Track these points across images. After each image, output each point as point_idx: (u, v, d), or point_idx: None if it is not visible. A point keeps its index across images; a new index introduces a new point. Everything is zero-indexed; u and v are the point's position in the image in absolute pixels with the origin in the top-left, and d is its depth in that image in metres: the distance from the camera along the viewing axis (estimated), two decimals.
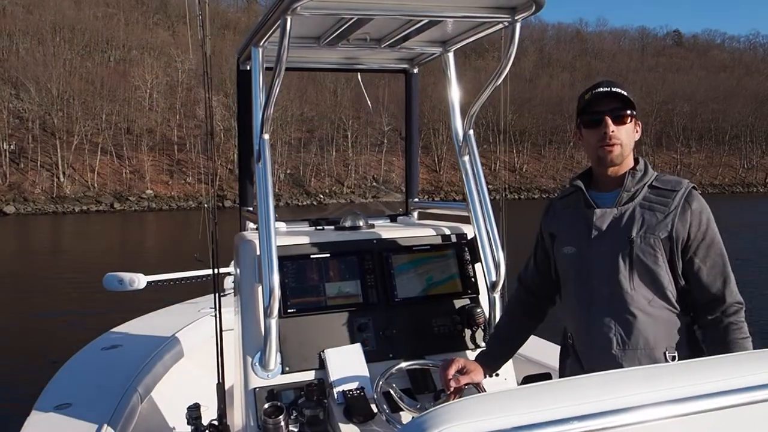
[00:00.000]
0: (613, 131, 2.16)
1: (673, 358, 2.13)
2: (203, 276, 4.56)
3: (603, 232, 2.18)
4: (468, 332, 2.86)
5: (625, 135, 2.19)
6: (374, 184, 72.55)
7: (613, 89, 2.17)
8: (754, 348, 2.08)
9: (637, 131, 2.24)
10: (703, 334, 2.19)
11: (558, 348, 2.48)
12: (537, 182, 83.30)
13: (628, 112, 2.19)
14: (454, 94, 3.27)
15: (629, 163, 2.23)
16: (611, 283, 2.15)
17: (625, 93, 2.18)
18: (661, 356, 2.13)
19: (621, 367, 2.08)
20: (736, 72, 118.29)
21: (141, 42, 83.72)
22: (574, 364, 2.31)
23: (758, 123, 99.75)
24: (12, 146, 63.21)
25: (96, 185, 63.54)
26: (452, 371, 2.39)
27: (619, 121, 2.17)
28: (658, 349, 2.13)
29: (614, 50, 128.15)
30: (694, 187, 2.18)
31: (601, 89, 2.19)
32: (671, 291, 2.14)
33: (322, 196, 69.35)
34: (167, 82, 75.83)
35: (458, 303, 2.91)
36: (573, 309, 2.30)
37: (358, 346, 2.66)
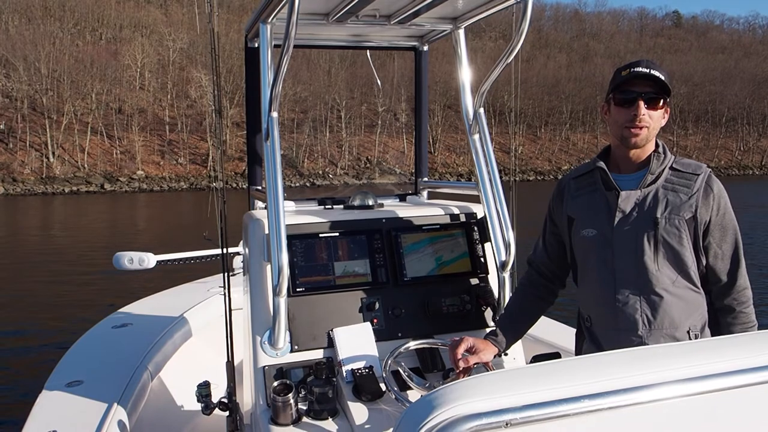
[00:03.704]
0: (643, 115, 2.15)
1: (696, 337, 2.16)
2: (212, 255, 4.65)
3: (627, 214, 2.18)
4: (477, 312, 2.86)
5: (655, 120, 2.19)
6: (368, 165, 72.06)
7: (653, 71, 2.14)
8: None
9: (664, 118, 2.24)
10: (712, 308, 2.23)
11: (567, 328, 2.48)
12: (532, 164, 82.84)
13: (663, 97, 2.17)
14: (465, 72, 3.20)
15: (651, 146, 2.23)
16: (636, 265, 2.16)
17: (663, 77, 2.15)
18: (684, 336, 2.16)
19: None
20: (734, 54, 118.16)
21: (133, 20, 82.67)
22: (591, 346, 2.32)
23: (755, 105, 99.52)
24: (1, 126, 62.49)
25: (86, 166, 62.96)
26: (461, 350, 2.39)
27: (652, 105, 2.16)
28: (682, 328, 2.15)
29: (612, 31, 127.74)
30: (711, 172, 2.21)
31: (640, 69, 2.15)
32: (694, 271, 2.17)
33: (315, 178, 68.81)
34: (159, 60, 74.92)
35: (468, 282, 2.90)
36: (594, 291, 2.29)
37: (367, 325, 2.67)
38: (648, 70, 2.14)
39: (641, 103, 2.14)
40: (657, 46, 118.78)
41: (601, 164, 2.25)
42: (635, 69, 2.16)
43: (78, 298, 13.19)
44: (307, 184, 65.94)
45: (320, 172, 70.72)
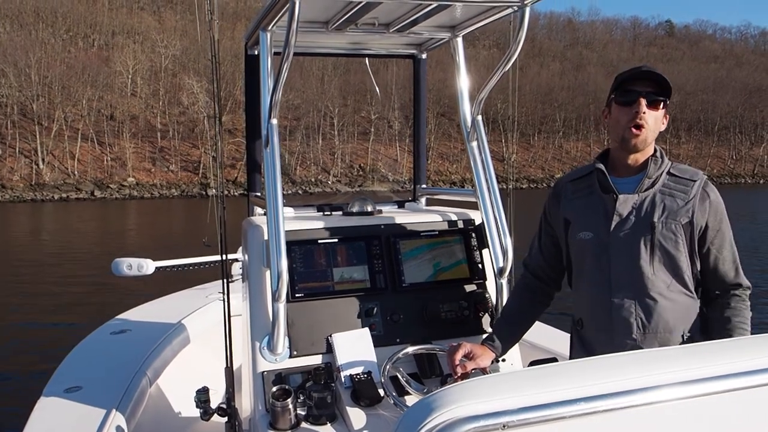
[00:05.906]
0: (644, 113, 2.16)
1: (690, 341, 2.18)
2: (211, 262, 4.63)
3: (624, 218, 2.20)
4: (475, 318, 2.87)
5: (653, 121, 2.19)
6: (361, 173, 72.04)
7: (654, 71, 2.18)
8: (752, 329, 2.18)
9: (664, 122, 2.25)
10: (708, 311, 2.24)
11: (564, 334, 2.49)
12: (525, 172, 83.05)
13: (662, 98, 2.18)
14: (463, 79, 3.23)
15: (650, 150, 2.24)
16: (632, 268, 2.18)
17: (665, 78, 2.17)
18: (678, 340, 2.18)
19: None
20: (726, 63, 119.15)
21: (125, 27, 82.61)
22: (580, 352, 2.34)
23: (747, 114, 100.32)
24: None
25: (76, 172, 62.73)
26: (459, 356, 2.40)
27: (652, 105, 2.17)
28: (675, 332, 2.17)
29: (605, 40, 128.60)
30: (707, 179, 2.24)
31: (642, 69, 2.19)
32: (689, 276, 2.18)
33: (308, 185, 68.73)
34: (151, 67, 74.81)
35: (465, 288, 2.91)
36: (589, 294, 2.30)
37: (365, 331, 2.67)
38: (649, 70, 2.18)
39: (642, 101, 2.15)
40: (650, 55, 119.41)
41: (601, 166, 2.26)
42: (637, 69, 2.20)
43: (76, 304, 13.13)
44: (299, 192, 65.87)
45: (313, 179, 70.67)
